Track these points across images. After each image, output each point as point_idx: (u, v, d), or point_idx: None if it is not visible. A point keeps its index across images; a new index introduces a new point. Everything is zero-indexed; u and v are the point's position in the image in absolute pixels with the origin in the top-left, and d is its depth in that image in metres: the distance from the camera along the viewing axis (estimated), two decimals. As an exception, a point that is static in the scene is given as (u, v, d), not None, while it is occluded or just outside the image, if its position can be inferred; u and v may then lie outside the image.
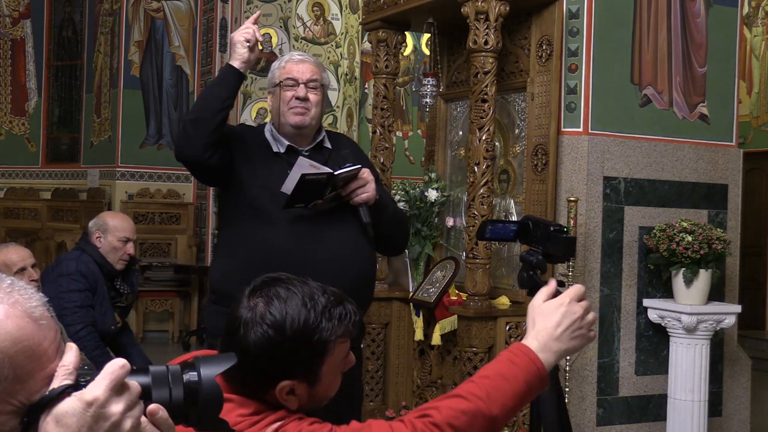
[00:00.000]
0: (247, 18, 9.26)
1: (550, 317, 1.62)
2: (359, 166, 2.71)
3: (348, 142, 3.10)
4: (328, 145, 2.88)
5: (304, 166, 2.64)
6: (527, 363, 1.56)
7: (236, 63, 2.69)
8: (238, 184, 2.76)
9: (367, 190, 2.73)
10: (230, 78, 2.71)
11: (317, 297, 1.53)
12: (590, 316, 1.64)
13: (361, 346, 3.00)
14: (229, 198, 2.84)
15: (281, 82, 2.80)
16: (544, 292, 1.69)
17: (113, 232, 4.04)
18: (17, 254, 3.68)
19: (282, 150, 2.81)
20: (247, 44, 2.68)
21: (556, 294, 1.69)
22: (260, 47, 2.74)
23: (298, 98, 2.76)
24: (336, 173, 2.64)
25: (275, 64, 2.88)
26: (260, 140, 2.84)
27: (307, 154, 2.78)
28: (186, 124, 2.71)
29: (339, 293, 1.58)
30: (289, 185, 2.63)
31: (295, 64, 2.82)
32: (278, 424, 1.47)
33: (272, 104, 2.86)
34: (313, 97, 2.78)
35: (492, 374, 1.55)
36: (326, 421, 1.52)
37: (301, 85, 2.78)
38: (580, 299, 1.65)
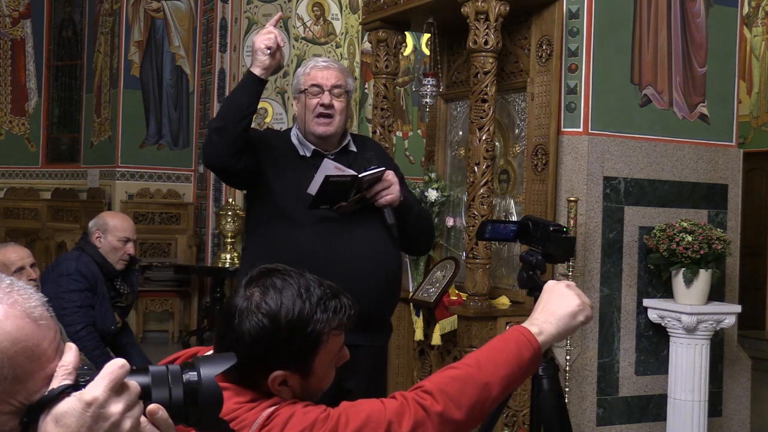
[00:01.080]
0: (247, 18, 9.18)
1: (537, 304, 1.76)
2: (383, 168, 2.74)
3: (373, 144, 3.12)
4: (353, 148, 2.91)
5: (328, 167, 2.67)
6: (516, 334, 1.63)
7: (257, 70, 2.70)
8: (265, 187, 2.80)
9: (391, 191, 2.75)
10: (252, 85, 2.73)
11: (313, 289, 1.55)
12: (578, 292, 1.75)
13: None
14: (256, 200, 2.87)
15: (306, 89, 2.83)
16: None
17: (113, 232, 4.04)
18: (16, 254, 3.68)
19: (308, 154, 2.84)
20: (268, 51, 2.68)
21: None
22: (282, 48, 2.75)
23: (322, 105, 2.79)
24: (360, 175, 2.67)
25: (300, 70, 2.91)
26: (286, 144, 2.87)
27: (332, 157, 2.80)
28: (211, 133, 2.75)
29: (335, 286, 1.60)
30: (314, 187, 2.66)
31: (319, 71, 2.85)
32: (273, 408, 1.48)
33: (298, 111, 2.89)
34: (337, 104, 2.81)
35: (483, 348, 1.63)
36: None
37: (326, 93, 2.80)
38: None
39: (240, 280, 1.67)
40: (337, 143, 2.89)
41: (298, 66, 8.23)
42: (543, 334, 1.64)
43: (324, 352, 1.55)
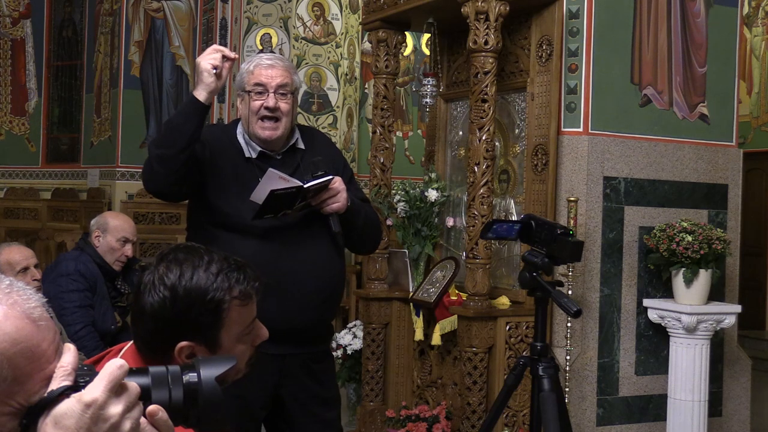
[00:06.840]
0: (247, 18, 9.17)
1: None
2: (330, 177, 2.62)
3: (322, 139, 2.97)
4: (301, 145, 2.78)
5: (273, 178, 2.55)
6: None
7: (201, 95, 2.54)
8: (210, 191, 2.68)
9: (337, 200, 2.64)
10: (195, 110, 2.57)
11: (215, 261, 1.58)
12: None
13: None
14: (199, 205, 2.74)
15: (250, 90, 2.69)
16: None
17: (113, 232, 4.02)
18: (20, 254, 3.68)
19: (254, 155, 2.71)
20: (215, 71, 2.53)
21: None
22: (227, 66, 2.58)
23: (267, 108, 2.65)
24: (306, 186, 2.56)
25: (244, 67, 2.76)
26: (232, 144, 2.73)
27: (279, 157, 2.70)
28: (153, 160, 2.60)
29: (241, 261, 1.62)
30: (258, 196, 2.55)
31: (264, 69, 2.69)
32: None
33: (242, 111, 2.74)
34: (283, 105, 2.67)
35: None
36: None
37: (271, 94, 2.66)
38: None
39: None
40: (285, 143, 2.75)
41: (298, 67, 8.24)
42: None
43: (228, 323, 1.56)
